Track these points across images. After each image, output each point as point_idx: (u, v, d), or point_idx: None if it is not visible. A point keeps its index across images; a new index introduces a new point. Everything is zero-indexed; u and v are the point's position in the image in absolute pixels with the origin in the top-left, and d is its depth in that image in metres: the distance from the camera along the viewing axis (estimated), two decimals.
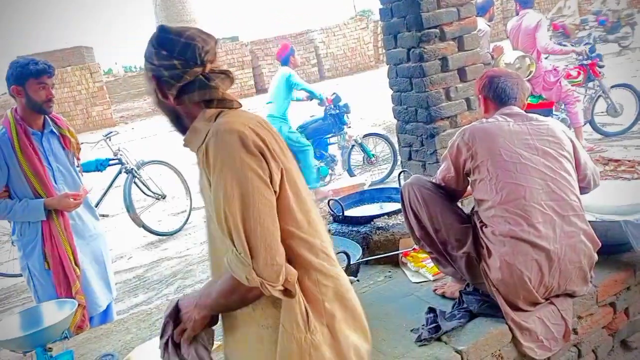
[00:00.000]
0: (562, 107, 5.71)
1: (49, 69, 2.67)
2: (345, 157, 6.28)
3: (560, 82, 5.52)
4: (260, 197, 1.26)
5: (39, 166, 2.68)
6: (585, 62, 5.93)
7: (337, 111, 6.19)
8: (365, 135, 6.38)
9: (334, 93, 6.27)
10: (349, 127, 6.33)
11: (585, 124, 5.76)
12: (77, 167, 2.95)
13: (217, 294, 1.39)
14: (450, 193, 2.31)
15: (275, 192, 1.30)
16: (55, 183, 2.76)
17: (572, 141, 2.20)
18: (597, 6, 13.48)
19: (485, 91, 2.33)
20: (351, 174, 6.19)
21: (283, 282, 1.28)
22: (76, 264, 2.77)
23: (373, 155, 6.37)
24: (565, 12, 12.76)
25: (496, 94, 2.29)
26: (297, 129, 6.00)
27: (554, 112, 5.67)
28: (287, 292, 1.31)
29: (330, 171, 6.17)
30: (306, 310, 1.33)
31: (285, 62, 5.88)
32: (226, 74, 1.44)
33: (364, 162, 6.45)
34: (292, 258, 1.33)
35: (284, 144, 1.41)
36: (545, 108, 5.52)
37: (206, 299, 1.42)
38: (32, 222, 2.73)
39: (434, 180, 2.35)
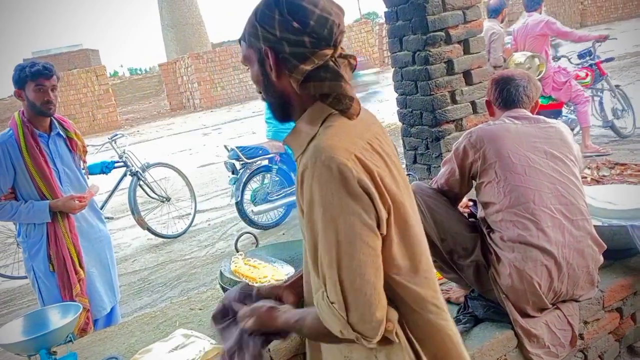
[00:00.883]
0: (572, 107, 5.70)
1: (44, 70, 2.65)
2: None
3: (570, 82, 5.51)
4: (362, 245, 1.06)
5: (45, 168, 2.69)
6: (591, 62, 5.93)
7: None
8: None
9: None
10: None
11: (607, 127, 5.81)
12: (83, 169, 2.96)
13: (307, 329, 1.22)
14: (449, 197, 2.28)
15: (382, 234, 1.10)
16: (61, 185, 2.76)
17: (576, 145, 2.19)
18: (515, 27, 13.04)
19: (489, 96, 2.32)
20: None
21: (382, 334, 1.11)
22: (81, 266, 2.77)
23: None
24: None
25: (501, 98, 2.27)
26: None
27: (563, 114, 5.67)
28: (386, 341, 1.14)
29: None
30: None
31: None
32: (350, 59, 1.18)
33: None
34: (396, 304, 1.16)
35: (397, 163, 1.19)
36: (555, 109, 5.53)
37: (295, 323, 1.25)
38: (37, 224, 2.73)
39: (433, 184, 2.32)
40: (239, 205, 5.24)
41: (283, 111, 1.22)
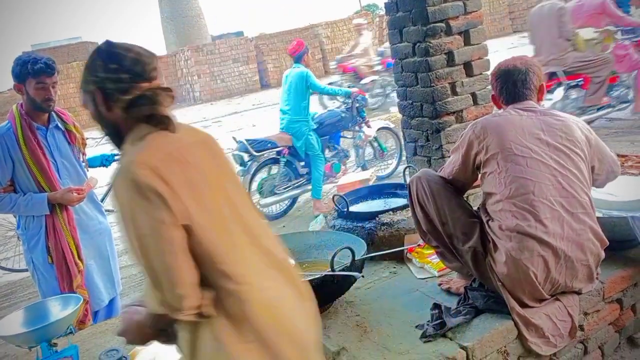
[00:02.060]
0: (633, 75, 5.86)
1: (47, 68, 2.63)
2: (360, 152, 6.23)
3: (629, 53, 5.73)
4: (157, 236, 1.29)
5: (43, 160, 2.69)
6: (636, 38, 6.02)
7: (358, 105, 6.07)
8: (379, 129, 6.37)
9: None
10: (367, 121, 6.19)
11: None
12: (83, 162, 2.96)
13: (152, 320, 1.43)
14: (457, 186, 2.29)
15: (186, 225, 1.31)
16: (60, 177, 2.76)
17: (588, 139, 2.16)
18: (385, 46, 11.35)
19: (493, 89, 2.31)
20: (364, 169, 6.16)
21: (194, 307, 1.32)
22: (79, 258, 2.78)
23: (386, 149, 6.34)
24: (357, 51, 11.11)
25: (501, 92, 2.27)
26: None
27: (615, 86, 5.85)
28: (201, 315, 1.35)
29: (342, 167, 6.10)
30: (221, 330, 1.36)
31: (298, 59, 5.72)
32: (168, 91, 1.48)
33: (375, 156, 6.40)
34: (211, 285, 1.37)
35: (210, 168, 1.43)
36: (611, 83, 5.75)
37: (146, 320, 1.45)
38: (36, 216, 2.74)
39: (441, 172, 2.33)
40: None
41: (118, 138, 1.46)
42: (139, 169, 1.30)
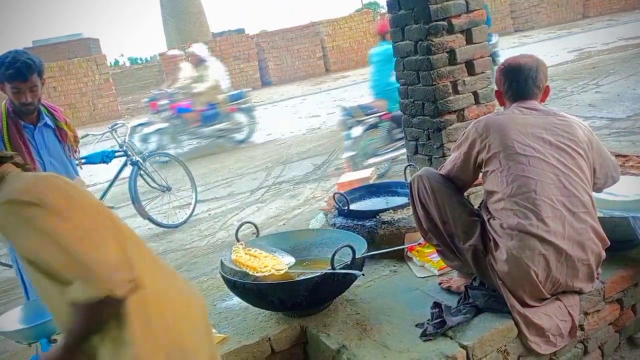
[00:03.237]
0: None
1: (18, 74, 2.53)
2: None
3: None
4: (57, 232, 1.36)
5: (28, 160, 2.64)
6: None
7: None
8: None
9: None
10: None
11: None
12: (76, 160, 2.92)
13: (68, 340, 1.42)
14: (458, 184, 2.29)
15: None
16: None
17: (590, 141, 2.16)
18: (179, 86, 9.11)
19: (499, 86, 2.30)
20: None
21: (127, 279, 1.37)
22: None
23: None
24: (177, 86, 9.00)
25: (510, 91, 2.25)
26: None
27: None
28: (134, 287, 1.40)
29: None
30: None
31: (384, 37, 6.03)
32: (16, 158, 1.56)
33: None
34: None
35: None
36: None
37: (59, 350, 1.43)
38: None
39: (442, 170, 2.33)
40: (355, 157, 5.73)
41: None
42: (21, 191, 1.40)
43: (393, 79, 5.62)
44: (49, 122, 2.77)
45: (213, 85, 8.73)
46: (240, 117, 9.29)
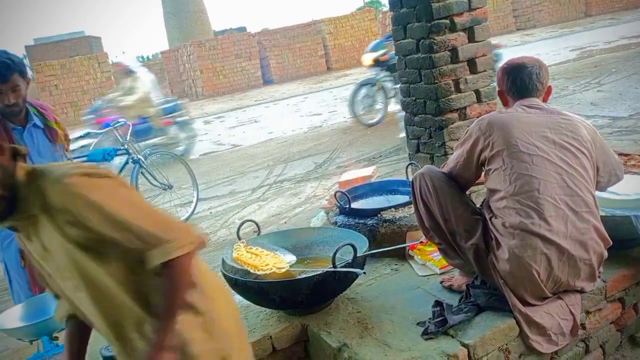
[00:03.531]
0: None
1: None
2: None
3: None
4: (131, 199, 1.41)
5: None
6: None
7: None
8: None
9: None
10: None
11: None
12: (68, 159, 2.86)
13: (168, 310, 1.39)
14: (460, 183, 2.28)
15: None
16: None
17: (593, 140, 2.15)
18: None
19: (501, 84, 2.30)
20: None
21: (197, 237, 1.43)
22: None
23: None
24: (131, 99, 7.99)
25: (510, 88, 2.25)
26: None
27: None
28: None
29: None
30: None
31: None
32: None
33: None
34: None
35: None
36: None
37: (164, 330, 1.39)
38: None
39: (444, 169, 2.33)
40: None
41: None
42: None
43: None
44: (38, 122, 2.69)
45: (142, 98, 8.02)
46: (176, 131, 8.58)
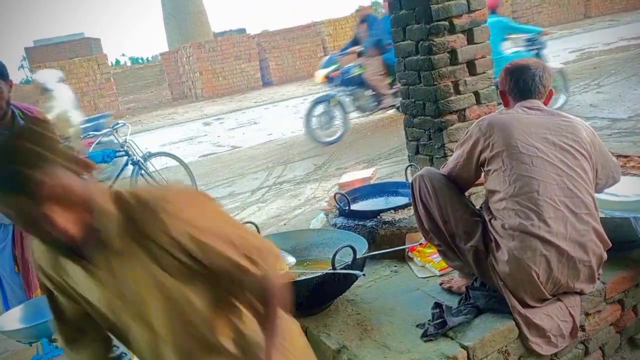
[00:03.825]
0: None
1: None
2: None
3: None
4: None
5: None
6: None
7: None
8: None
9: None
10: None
11: None
12: None
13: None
14: (459, 184, 2.28)
15: None
16: None
17: (593, 143, 2.15)
18: None
19: (503, 85, 2.30)
20: None
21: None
22: None
23: None
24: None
25: (513, 88, 2.25)
26: None
27: None
28: None
29: None
30: None
31: (494, 10, 6.32)
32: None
33: None
34: None
35: None
36: None
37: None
38: (3, 223, 2.61)
39: (443, 170, 2.33)
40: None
41: None
42: None
43: (502, 49, 6.47)
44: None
45: (60, 117, 6.92)
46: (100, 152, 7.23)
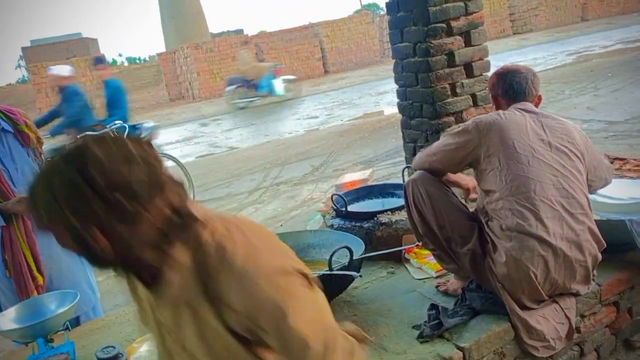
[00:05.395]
0: None
1: None
2: None
3: None
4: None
5: None
6: None
7: None
8: None
9: None
10: None
11: None
12: (42, 163, 2.80)
13: None
14: (435, 167, 2.26)
15: None
16: (14, 185, 2.54)
17: (586, 145, 2.17)
18: None
19: (495, 89, 2.31)
20: None
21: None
22: (39, 272, 2.61)
23: None
24: None
25: (506, 91, 2.26)
26: None
27: None
28: None
29: None
30: None
31: None
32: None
33: None
34: None
35: None
36: None
37: None
38: None
39: (424, 151, 2.31)
40: None
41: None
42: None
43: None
44: (7, 127, 2.57)
45: None
46: None
